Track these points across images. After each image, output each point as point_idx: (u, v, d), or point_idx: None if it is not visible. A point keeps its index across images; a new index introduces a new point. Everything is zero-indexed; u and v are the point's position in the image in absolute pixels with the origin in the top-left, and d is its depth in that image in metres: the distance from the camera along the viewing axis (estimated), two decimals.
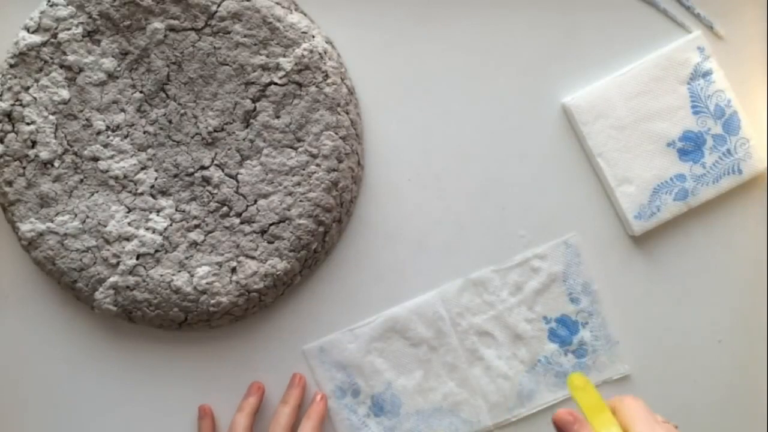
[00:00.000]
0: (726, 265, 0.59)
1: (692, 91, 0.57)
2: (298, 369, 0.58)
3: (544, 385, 0.58)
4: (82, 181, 0.54)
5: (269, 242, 0.54)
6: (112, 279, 0.54)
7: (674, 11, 0.58)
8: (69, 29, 0.53)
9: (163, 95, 0.54)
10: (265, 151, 0.54)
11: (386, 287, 0.58)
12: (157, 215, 0.54)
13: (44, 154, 0.54)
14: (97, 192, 0.54)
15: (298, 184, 0.54)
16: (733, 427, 0.59)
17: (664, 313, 0.58)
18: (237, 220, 0.54)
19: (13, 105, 0.53)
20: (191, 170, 0.54)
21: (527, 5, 0.58)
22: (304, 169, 0.54)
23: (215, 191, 0.54)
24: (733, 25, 0.58)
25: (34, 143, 0.54)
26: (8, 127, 0.54)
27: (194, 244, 0.54)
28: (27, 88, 0.54)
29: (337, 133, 0.54)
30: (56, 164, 0.54)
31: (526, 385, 0.58)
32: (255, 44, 0.53)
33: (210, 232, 0.54)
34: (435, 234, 0.58)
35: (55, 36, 0.53)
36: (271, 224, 0.54)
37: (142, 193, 0.54)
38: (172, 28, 0.53)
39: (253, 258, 0.54)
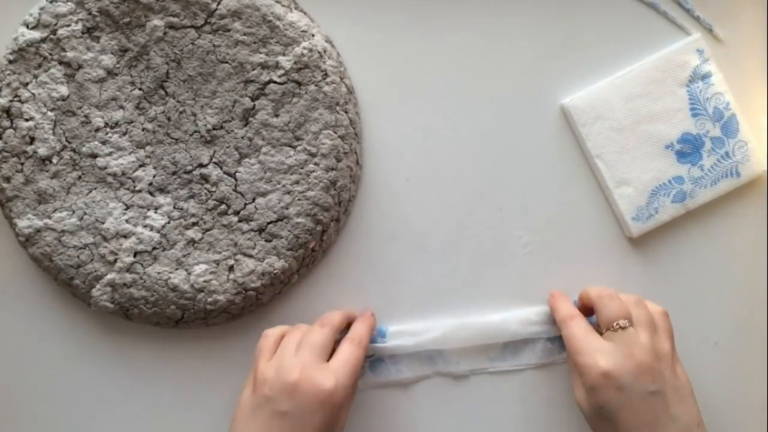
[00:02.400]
0: (723, 268, 0.59)
1: (691, 93, 0.57)
2: None
3: (531, 348, 0.58)
4: (80, 177, 0.54)
5: (267, 241, 0.54)
6: (110, 276, 0.54)
7: (674, 13, 0.58)
8: (68, 26, 0.53)
9: (162, 93, 0.54)
10: (263, 150, 0.54)
11: (384, 286, 0.58)
12: (155, 213, 0.54)
13: (42, 151, 0.53)
14: (95, 189, 0.54)
15: (297, 182, 0.54)
16: (730, 429, 0.59)
17: None
18: (235, 219, 0.54)
19: (11, 101, 0.53)
20: (190, 168, 0.54)
21: (527, 6, 0.58)
22: (302, 168, 0.54)
23: (213, 189, 0.54)
24: (732, 28, 0.58)
25: (32, 139, 0.54)
26: (6, 123, 0.53)
27: (192, 241, 0.54)
28: (26, 84, 0.53)
29: (335, 132, 0.54)
30: (54, 161, 0.54)
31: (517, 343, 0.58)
32: (254, 42, 0.53)
33: (208, 230, 0.54)
34: (433, 234, 0.58)
35: (54, 32, 0.53)
36: (269, 223, 0.54)
37: (140, 191, 0.54)
38: (171, 26, 0.53)
39: (250, 256, 0.54)
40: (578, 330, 0.51)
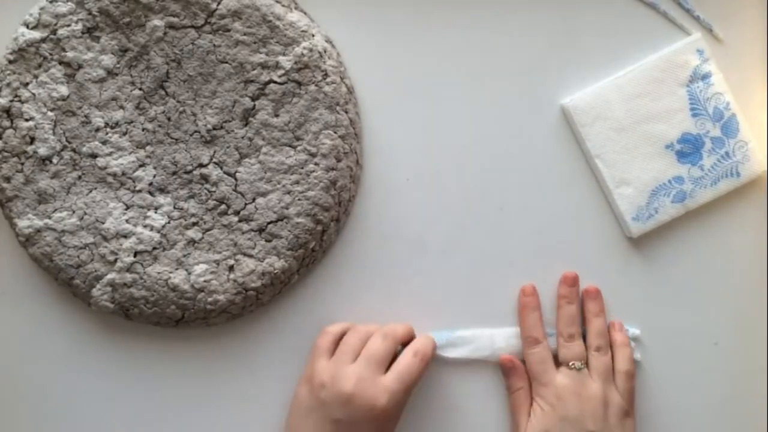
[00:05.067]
0: (723, 268, 0.59)
1: (691, 93, 0.57)
2: (295, 369, 0.58)
3: None
4: (80, 177, 0.54)
5: (267, 241, 0.54)
6: (110, 276, 0.54)
7: (674, 13, 0.58)
8: (68, 26, 0.53)
9: (162, 93, 0.54)
10: (263, 150, 0.54)
11: (384, 286, 0.58)
12: (155, 213, 0.54)
13: (42, 151, 0.53)
14: (95, 189, 0.54)
15: (297, 182, 0.54)
16: (729, 429, 0.59)
17: (661, 315, 0.58)
18: (235, 219, 0.54)
19: (11, 101, 0.53)
20: (190, 168, 0.54)
21: (527, 6, 0.58)
22: (302, 168, 0.54)
23: (213, 189, 0.54)
24: (732, 28, 0.58)
25: (32, 139, 0.54)
26: (6, 123, 0.54)
27: (192, 241, 0.54)
28: (26, 84, 0.53)
29: (336, 132, 0.54)
30: (54, 161, 0.54)
31: None
32: (254, 42, 0.53)
33: (208, 230, 0.54)
34: (433, 234, 0.58)
35: (54, 32, 0.53)
36: (269, 223, 0.54)
37: (140, 191, 0.54)
38: (171, 26, 0.53)
39: (250, 256, 0.54)
40: (538, 358, 0.55)
